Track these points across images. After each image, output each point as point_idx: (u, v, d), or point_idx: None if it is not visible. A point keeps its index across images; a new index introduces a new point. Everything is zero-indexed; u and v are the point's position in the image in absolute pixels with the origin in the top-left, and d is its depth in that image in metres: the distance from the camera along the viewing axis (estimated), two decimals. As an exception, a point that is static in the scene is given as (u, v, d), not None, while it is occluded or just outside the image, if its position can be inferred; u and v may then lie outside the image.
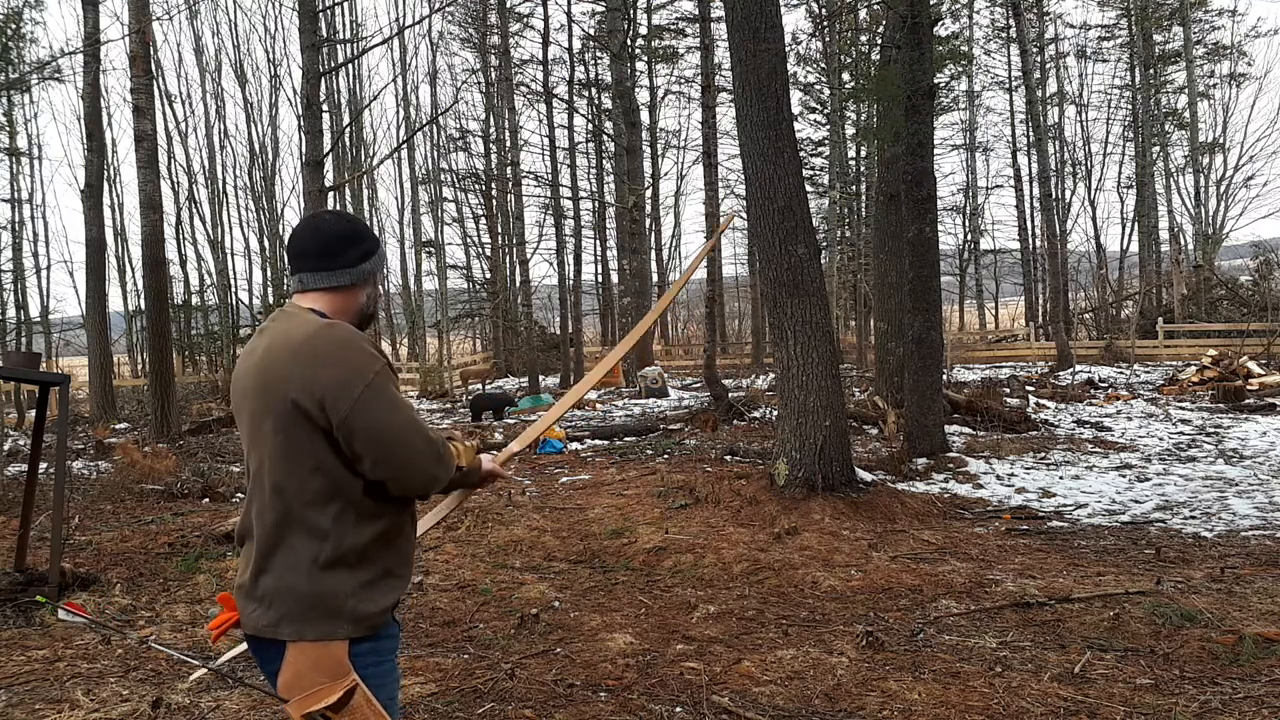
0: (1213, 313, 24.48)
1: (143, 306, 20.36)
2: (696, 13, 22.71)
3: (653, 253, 31.73)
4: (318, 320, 1.91)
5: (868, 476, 7.79)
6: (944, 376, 13.42)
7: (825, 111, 29.15)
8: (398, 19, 28.90)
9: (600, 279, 33.98)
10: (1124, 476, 8.53)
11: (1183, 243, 29.47)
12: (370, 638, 1.89)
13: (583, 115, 29.75)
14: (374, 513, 1.89)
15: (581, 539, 6.68)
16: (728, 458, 9.57)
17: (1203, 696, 3.59)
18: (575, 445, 11.66)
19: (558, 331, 27.86)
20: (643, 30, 29.12)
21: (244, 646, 1.95)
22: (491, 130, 29.37)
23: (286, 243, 2.05)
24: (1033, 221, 31.12)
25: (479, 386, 21.41)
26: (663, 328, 36.18)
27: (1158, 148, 29.93)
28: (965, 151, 35.09)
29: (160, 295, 13.67)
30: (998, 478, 8.61)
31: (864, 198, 28.28)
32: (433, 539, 6.60)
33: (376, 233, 2.19)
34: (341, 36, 26.12)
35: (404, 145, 25.58)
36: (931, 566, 5.65)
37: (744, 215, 31.23)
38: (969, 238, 36.20)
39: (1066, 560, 5.78)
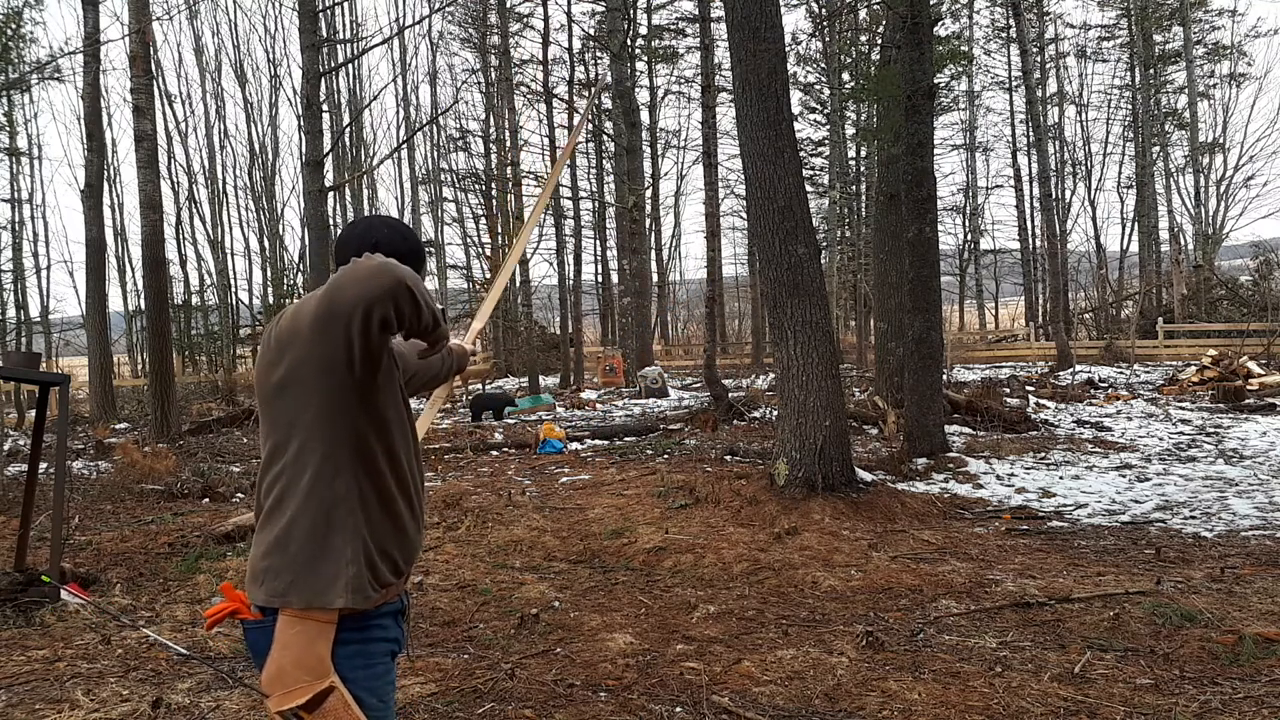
0: (1213, 313, 24.49)
1: (143, 306, 20.37)
2: (696, 13, 22.71)
3: (653, 253, 31.74)
4: None
5: (868, 476, 7.79)
6: (944, 376, 13.42)
7: (825, 111, 29.16)
8: (398, 19, 28.92)
9: (600, 279, 33.99)
10: (1124, 476, 8.53)
11: (1183, 243, 29.49)
12: (358, 638, 1.87)
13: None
14: (365, 483, 1.88)
15: (581, 539, 6.68)
16: (728, 458, 9.57)
17: (1203, 696, 3.58)
18: (575, 445, 11.66)
19: (558, 331, 27.87)
20: (643, 30, 29.14)
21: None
22: (491, 130, 29.38)
23: (338, 245, 2.03)
24: (1033, 221, 31.15)
25: (479, 386, 21.41)
26: (663, 327, 36.19)
27: (1158, 148, 29.94)
28: (965, 151, 35.17)
29: (160, 295, 13.68)
30: (998, 478, 8.62)
31: (864, 198, 28.29)
32: (433, 539, 6.61)
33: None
34: (341, 36, 26.13)
35: (404, 145, 25.60)
36: (931, 566, 5.66)
37: (744, 215, 31.23)
38: (969, 238, 36.25)
39: (1066, 560, 5.78)
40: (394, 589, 1.95)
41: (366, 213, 30.19)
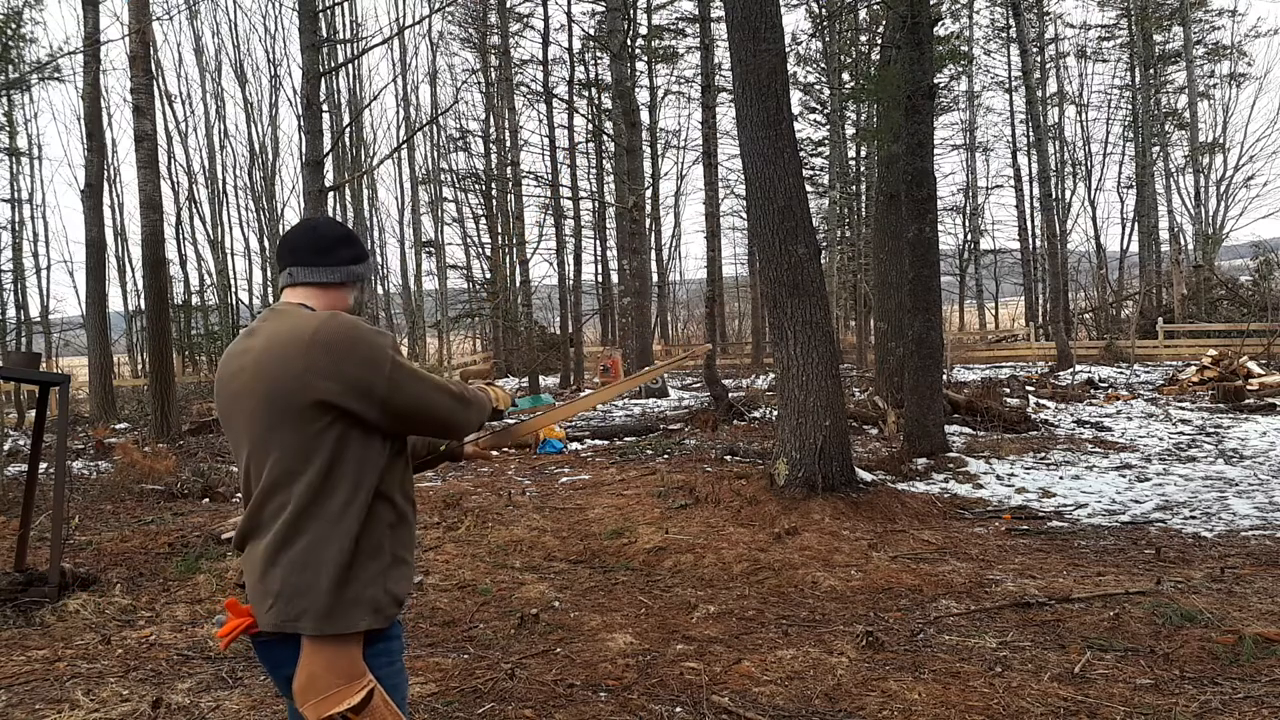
0: (1213, 313, 24.48)
1: (143, 306, 20.35)
2: (696, 13, 22.73)
3: (653, 253, 31.72)
4: (317, 314, 1.93)
5: (868, 476, 7.79)
6: (944, 376, 13.42)
7: (825, 111, 29.15)
8: (398, 19, 28.89)
9: (600, 279, 33.99)
10: (1124, 476, 8.53)
11: (1183, 243, 29.49)
12: (383, 637, 1.91)
13: (583, 115, 29.79)
14: (388, 500, 1.93)
15: (581, 539, 6.68)
16: (728, 458, 9.56)
17: (1203, 696, 3.58)
18: (575, 445, 11.66)
19: (558, 331, 27.87)
20: (643, 30, 29.13)
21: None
22: (491, 130, 29.36)
23: (278, 244, 2.10)
24: (1033, 221, 31.16)
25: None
26: (663, 327, 36.18)
27: (1158, 148, 29.94)
28: (965, 151, 35.18)
29: (160, 295, 13.67)
30: (998, 478, 8.62)
31: (864, 198, 28.29)
32: (433, 539, 6.60)
33: (376, 234, 2.27)
34: (341, 36, 26.10)
35: (404, 145, 25.58)
36: (931, 566, 5.66)
37: (744, 215, 31.24)
38: (969, 238, 36.25)
39: (1066, 560, 5.78)
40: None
41: (366, 213, 30.19)
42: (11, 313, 25.54)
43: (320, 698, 1.81)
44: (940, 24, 17.93)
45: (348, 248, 2.07)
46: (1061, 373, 19.23)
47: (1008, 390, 14.71)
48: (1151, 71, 30.35)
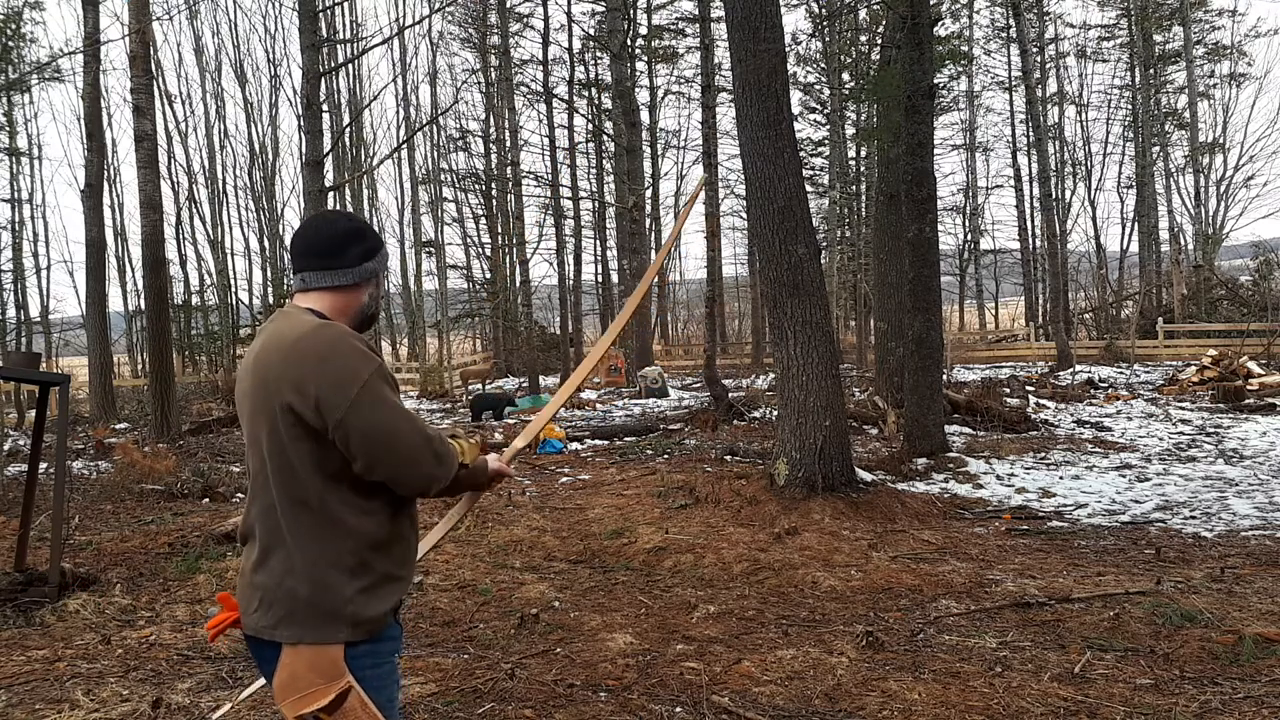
0: (1213, 313, 24.47)
1: (143, 306, 20.36)
2: (696, 13, 22.71)
3: (652, 253, 31.70)
4: (311, 321, 1.89)
5: (868, 476, 7.79)
6: (944, 376, 13.41)
7: (825, 111, 29.14)
8: (398, 19, 28.89)
9: (600, 279, 33.99)
10: (1124, 476, 8.53)
11: (1183, 243, 29.48)
12: (370, 639, 1.89)
13: (583, 115, 29.79)
14: (372, 515, 1.88)
15: (581, 539, 6.68)
16: (728, 458, 9.56)
17: (1203, 696, 3.58)
18: (575, 445, 11.66)
19: (558, 331, 27.86)
20: (643, 30, 29.13)
21: (260, 683, 1.95)
22: (491, 130, 29.36)
23: (290, 241, 2.04)
24: (1033, 221, 31.14)
25: (479, 386, 21.41)
26: (663, 327, 36.17)
27: (1158, 148, 29.93)
28: (965, 151, 35.14)
29: (160, 295, 13.66)
30: (998, 478, 8.61)
31: (864, 198, 28.28)
32: (433, 539, 6.60)
33: (377, 231, 2.19)
34: (341, 36, 26.10)
35: (404, 145, 25.57)
36: (931, 566, 5.65)
37: (744, 215, 31.26)
38: (969, 238, 36.23)
39: (1066, 560, 5.78)
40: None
41: (366, 213, 30.20)
42: (11, 313, 25.57)
43: (297, 696, 1.80)
44: (940, 24, 17.96)
45: (358, 244, 1.99)
46: (1061, 373, 19.23)
47: (1008, 390, 14.71)
48: (1151, 71, 30.33)
